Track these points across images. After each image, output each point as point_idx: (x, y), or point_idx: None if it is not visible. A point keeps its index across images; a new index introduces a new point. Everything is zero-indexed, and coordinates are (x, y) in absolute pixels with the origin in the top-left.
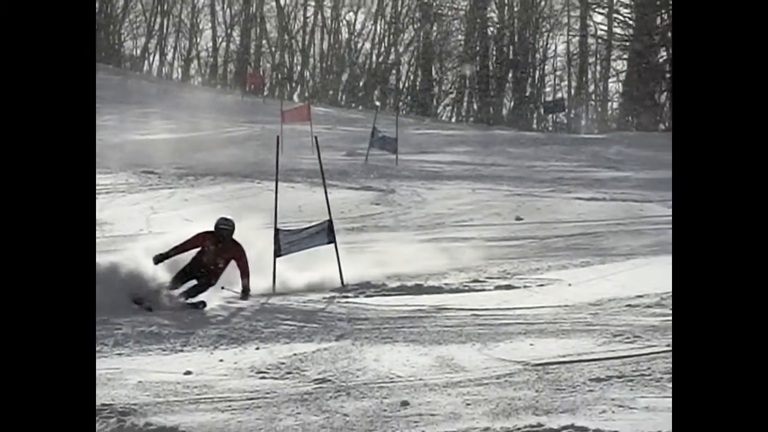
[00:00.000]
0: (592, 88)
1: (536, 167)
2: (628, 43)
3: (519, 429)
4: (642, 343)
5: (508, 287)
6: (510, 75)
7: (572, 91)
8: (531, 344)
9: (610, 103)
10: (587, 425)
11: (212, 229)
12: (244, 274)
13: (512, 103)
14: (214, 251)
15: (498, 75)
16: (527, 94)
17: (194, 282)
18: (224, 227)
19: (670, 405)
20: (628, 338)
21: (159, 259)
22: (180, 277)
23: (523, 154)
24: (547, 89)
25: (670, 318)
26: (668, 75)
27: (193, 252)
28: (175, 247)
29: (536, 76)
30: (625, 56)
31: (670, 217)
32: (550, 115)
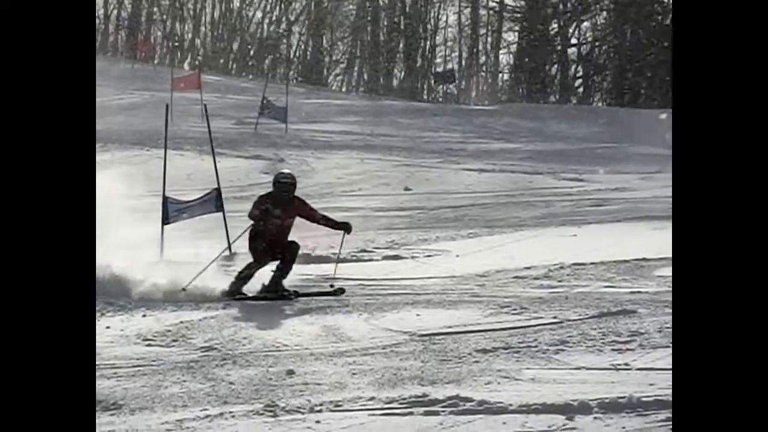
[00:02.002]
0: (482, 59)
1: (426, 138)
2: (519, 15)
3: (404, 399)
4: (529, 315)
5: (396, 258)
6: (401, 45)
7: (463, 63)
8: (418, 315)
9: (500, 75)
10: (472, 396)
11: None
12: (324, 218)
13: (403, 74)
14: (282, 213)
15: (389, 45)
16: (418, 64)
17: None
18: (287, 181)
19: (556, 377)
20: (515, 310)
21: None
22: (260, 258)
23: (412, 124)
24: (438, 60)
25: (557, 290)
26: (559, 47)
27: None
28: (254, 214)
29: (427, 47)
30: (516, 28)
31: (559, 189)
32: (441, 86)
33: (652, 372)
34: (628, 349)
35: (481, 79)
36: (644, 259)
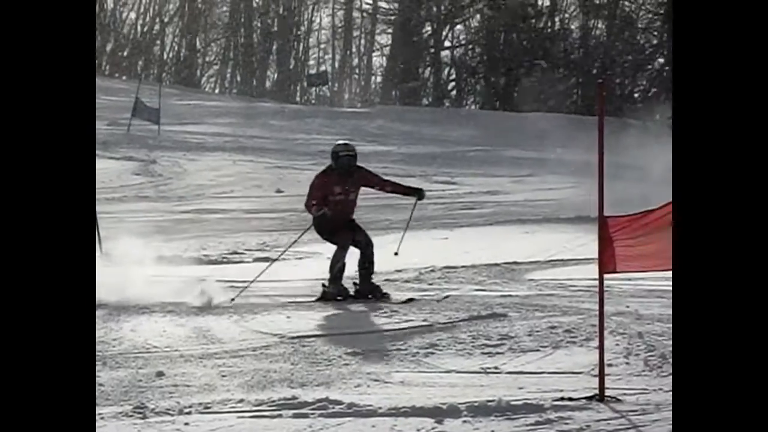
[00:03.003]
0: (356, 61)
1: (298, 140)
2: (392, 17)
3: (274, 401)
4: (399, 318)
5: (267, 260)
6: (274, 47)
7: (336, 65)
8: (288, 317)
9: (374, 78)
10: (342, 399)
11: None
12: (392, 185)
13: (276, 76)
14: (347, 187)
15: (262, 47)
16: (291, 66)
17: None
18: (349, 153)
19: (425, 380)
20: (385, 312)
21: (326, 211)
22: (344, 243)
23: (285, 126)
24: (311, 62)
25: (428, 292)
26: (432, 50)
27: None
28: (310, 204)
29: (300, 49)
30: (390, 30)
31: (430, 192)
32: (314, 89)
33: (521, 375)
34: (497, 353)
35: (354, 82)
36: (515, 263)
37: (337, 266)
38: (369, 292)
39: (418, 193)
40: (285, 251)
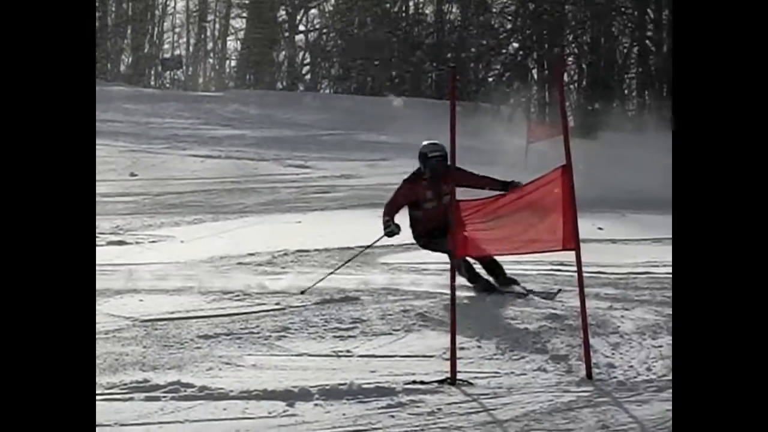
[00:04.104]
0: (210, 45)
1: (152, 124)
2: (247, 2)
3: (125, 384)
4: (251, 301)
5: (121, 243)
6: (128, 31)
7: (191, 49)
8: (141, 300)
9: (228, 62)
10: (193, 382)
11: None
12: (489, 181)
13: (130, 60)
14: (439, 193)
15: (116, 31)
16: (145, 50)
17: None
18: (437, 154)
19: (277, 363)
20: (237, 296)
21: (393, 229)
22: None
23: (139, 110)
24: (166, 46)
25: (281, 276)
26: (286, 34)
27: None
28: (390, 211)
29: (155, 33)
30: (244, 14)
31: (284, 176)
32: (168, 72)
33: (373, 359)
34: (350, 336)
35: (208, 66)
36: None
37: (462, 271)
38: (513, 283)
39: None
40: (349, 260)
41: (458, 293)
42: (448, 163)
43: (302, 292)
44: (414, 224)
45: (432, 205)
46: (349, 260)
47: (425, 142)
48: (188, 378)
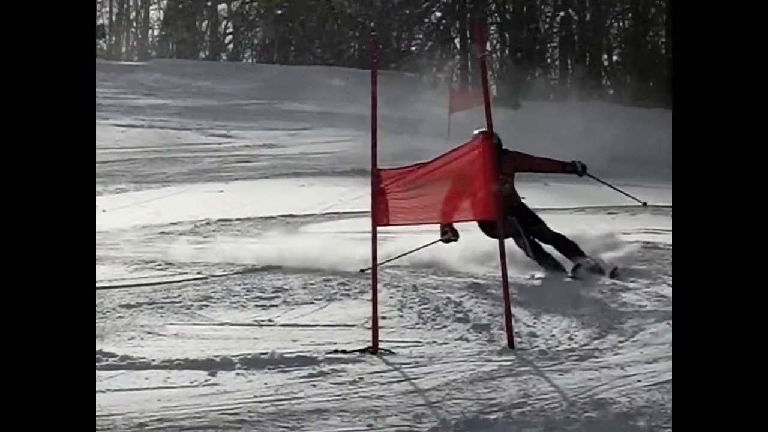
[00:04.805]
0: (133, 15)
1: None
2: None
3: None
4: (173, 271)
5: None
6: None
7: (113, 18)
8: None
9: (151, 31)
10: (115, 351)
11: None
12: (547, 162)
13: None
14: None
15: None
16: None
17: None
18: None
19: (199, 332)
20: (159, 265)
21: (450, 236)
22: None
23: None
24: None
25: (203, 245)
26: (209, 3)
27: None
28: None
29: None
30: None
31: (207, 145)
32: None
33: (295, 328)
34: (272, 306)
35: (131, 35)
36: (291, 215)
37: (528, 252)
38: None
39: (579, 168)
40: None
41: (385, 267)
42: (504, 149)
43: (362, 270)
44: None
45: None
46: (399, 256)
47: (475, 131)
48: (110, 347)
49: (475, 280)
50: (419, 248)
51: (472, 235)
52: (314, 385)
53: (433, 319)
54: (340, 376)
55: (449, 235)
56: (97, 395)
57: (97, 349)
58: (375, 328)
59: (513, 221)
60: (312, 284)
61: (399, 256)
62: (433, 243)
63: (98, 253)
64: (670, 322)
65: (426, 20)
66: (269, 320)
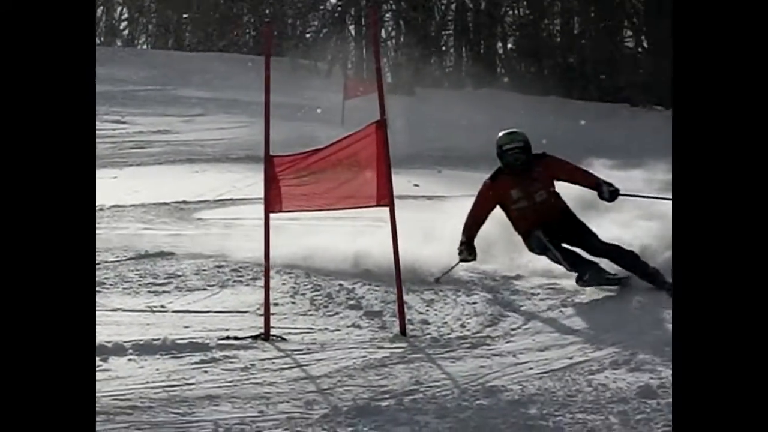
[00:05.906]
0: None
1: None
2: None
3: None
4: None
5: None
6: None
7: None
8: None
9: None
10: None
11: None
12: (583, 175)
13: None
14: (529, 191)
15: None
16: None
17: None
18: (514, 147)
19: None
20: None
21: (466, 256)
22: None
23: None
24: None
25: (98, 232)
26: None
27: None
28: (470, 225)
29: None
30: None
31: (100, 131)
32: None
33: (187, 314)
34: (164, 291)
35: None
36: (184, 202)
37: (564, 265)
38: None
39: (606, 195)
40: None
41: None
42: (534, 153)
43: (437, 280)
44: (517, 229)
45: (522, 205)
46: (446, 273)
47: (501, 133)
48: None
49: (368, 268)
50: (453, 267)
51: (363, 223)
52: (206, 371)
53: (326, 306)
54: (231, 362)
55: (465, 255)
56: None
57: None
58: (267, 315)
59: (536, 236)
60: (205, 270)
61: (447, 272)
62: (455, 266)
63: None
64: (563, 310)
65: (321, 7)
66: (162, 306)
